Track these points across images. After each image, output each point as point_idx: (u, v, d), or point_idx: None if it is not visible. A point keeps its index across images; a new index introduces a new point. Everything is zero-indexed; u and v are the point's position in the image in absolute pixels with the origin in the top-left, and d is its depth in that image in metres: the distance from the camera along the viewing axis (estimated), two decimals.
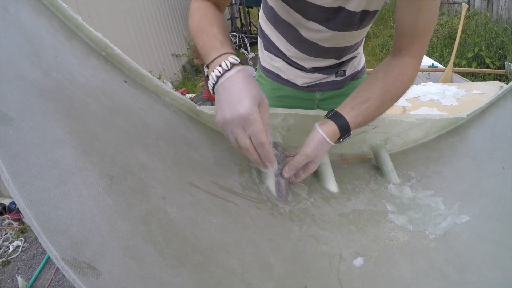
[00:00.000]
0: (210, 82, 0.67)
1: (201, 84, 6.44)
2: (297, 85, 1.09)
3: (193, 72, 7.19)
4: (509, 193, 0.82)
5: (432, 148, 1.00)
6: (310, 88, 1.10)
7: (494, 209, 0.79)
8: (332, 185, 0.86)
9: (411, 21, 0.75)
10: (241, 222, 0.64)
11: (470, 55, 4.68)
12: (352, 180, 0.92)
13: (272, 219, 0.69)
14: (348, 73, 1.10)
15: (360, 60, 1.14)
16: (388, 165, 0.93)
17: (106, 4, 5.50)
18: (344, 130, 0.75)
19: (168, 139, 0.74)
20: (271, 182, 0.78)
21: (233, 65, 0.65)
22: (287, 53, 1.03)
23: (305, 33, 0.93)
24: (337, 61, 1.04)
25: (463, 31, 4.83)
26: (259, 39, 1.13)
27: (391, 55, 0.83)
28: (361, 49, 1.13)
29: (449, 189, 0.87)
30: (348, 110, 0.76)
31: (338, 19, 0.86)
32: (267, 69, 1.13)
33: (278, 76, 1.11)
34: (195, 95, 6.11)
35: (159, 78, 6.58)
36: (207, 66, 0.70)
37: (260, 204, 0.71)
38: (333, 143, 0.75)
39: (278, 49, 1.04)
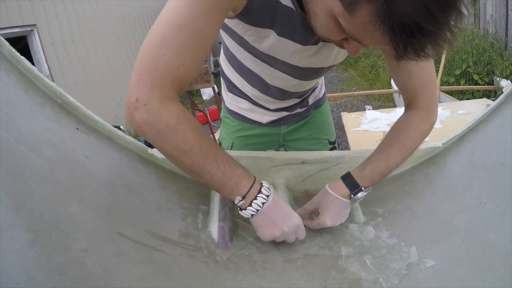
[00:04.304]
0: (253, 208, 0.67)
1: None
2: (262, 123, 1.09)
3: (186, 95, 7.31)
4: (484, 231, 0.74)
5: (406, 180, 0.93)
6: (275, 123, 1.09)
7: (465, 250, 0.71)
8: None
9: (406, 78, 0.77)
10: (165, 272, 0.62)
11: (458, 72, 4.49)
12: None
13: (205, 268, 0.65)
14: (310, 102, 1.09)
15: (320, 89, 1.14)
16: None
17: (94, 30, 5.62)
18: (349, 182, 0.77)
19: (109, 187, 0.74)
20: (214, 228, 0.74)
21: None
22: (252, 97, 1.03)
23: (270, 80, 0.91)
24: (300, 99, 1.04)
25: None
26: (221, 79, 1.11)
27: (404, 111, 0.84)
28: (320, 79, 1.10)
29: (418, 227, 0.79)
30: (356, 167, 0.78)
31: (306, 72, 0.85)
32: (232, 110, 1.13)
33: (243, 117, 1.11)
34: None
35: None
36: (243, 197, 0.66)
37: (195, 252, 0.68)
38: (337, 195, 0.76)
39: (242, 91, 1.04)
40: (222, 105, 1.18)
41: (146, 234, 0.67)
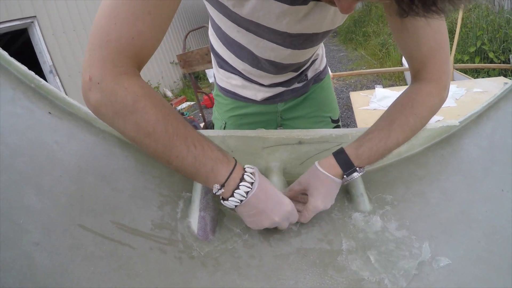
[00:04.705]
0: (236, 199, 0.57)
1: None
2: (256, 100, 0.98)
3: (190, 77, 7.36)
4: (507, 224, 0.64)
5: (418, 163, 0.82)
6: (271, 100, 0.98)
7: (485, 246, 0.61)
8: None
9: (413, 43, 0.65)
10: (128, 269, 0.53)
11: (472, 49, 4.25)
12: None
13: (176, 264, 0.56)
14: (310, 76, 0.98)
15: (321, 61, 1.02)
16: (358, 187, 0.76)
17: (91, 17, 5.48)
18: (343, 162, 0.66)
19: (76, 174, 0.66)
20: (194, 218, 0.65)
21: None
22: (243, 72, 0.92)
23: (259, 52, 0.80)
24: (297, 73, 0.93)
25: (464, 24, 4.45)
26: (211, 56, 1.00)
27: (411, 83, 0.72)
28: (320, 50, 0.99)
29: (431, 218, 0.69)
30: (351, 144, 0.68)
31: (297, 40, 0.74)
32: (224, 88, 1.02)
33: (235, 94, 1.00)
34: (193, 102, 6.01)
35: (157, 88, 6.55)
36: (222, 185, 0.57)
37: (168, 246, 0.59)
38: (330, 174, 0.65)
39: (233, 66, 0.93)
40: (215, 83, 1.08)
41: (111, 226, 0.58)
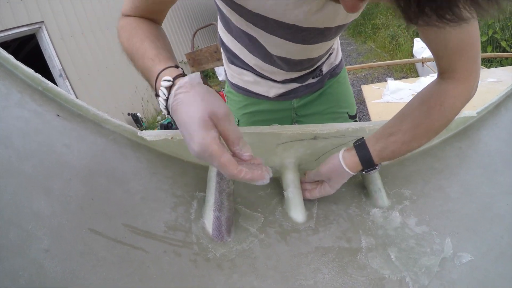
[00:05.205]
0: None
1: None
2: (269, 97, 0.95)
3: (203, 78, 7.34)
4: None
5: (436, 156, 0.79)
6: (285, 97, 0.96)
7: (509, 241, 0.59)
8: (298, 214, 0.70)
9: (439, 39, 0.60)
10: (141, 274, 0.52)
11: (484, 38, 4.18)
12: (328, 204, 0.74)
13: (192, 267, 0.55)
14: (325, 70, 0.95)
15: (337, 54, 0.99)
16: (376, 183, 0.74)
17: (103, 19, 5.54)
18: (367, 162, 0.67)
19: (86, 176, 0.65)
20: (208, 218, 0.63)
21: (170, 87, 0.53)
22: (255, 67, 0.89)
23: (270, 48, 0.78)
24: (312, 69, 0.90)
25: None
26: (222, 51, 0.98)
27: (436, 79, 0.68)
28: (336, 43, 0.96)
29: (451, 213, 0.67)
30: (374, 142, 0.67)
31: (308, 34, 0.71)
32: (236, 84, 0.99)
33: (247, 90, 0.97)
34: None
35: None
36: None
37: (182, 249, 0.57)
38: (353, 173, 0.69)
39: (244, 61, 0.90)
40: (225, 79, 1.06)
41: (124, 230, 0.57)
